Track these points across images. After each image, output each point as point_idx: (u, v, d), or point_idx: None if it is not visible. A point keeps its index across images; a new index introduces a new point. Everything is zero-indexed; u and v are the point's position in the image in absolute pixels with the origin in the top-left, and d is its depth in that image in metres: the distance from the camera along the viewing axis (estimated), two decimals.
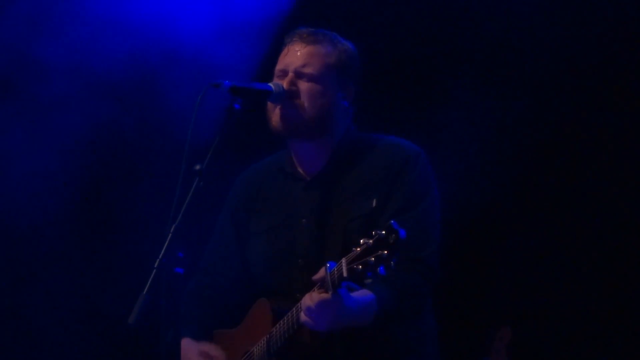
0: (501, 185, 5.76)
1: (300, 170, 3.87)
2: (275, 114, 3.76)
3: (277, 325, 3.60)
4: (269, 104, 3.78)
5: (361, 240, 3.25)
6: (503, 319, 5.80)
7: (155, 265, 3.29)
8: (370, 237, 3.24)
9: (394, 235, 3.18)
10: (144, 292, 3.25)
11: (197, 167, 3.45)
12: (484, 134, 5.68)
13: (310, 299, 3.39)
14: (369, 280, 3.26)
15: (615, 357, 5.61)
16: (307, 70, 3.75)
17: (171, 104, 5.29)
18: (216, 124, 3.59)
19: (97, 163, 5.69)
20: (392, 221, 3.20)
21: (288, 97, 3.73)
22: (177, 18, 5.26)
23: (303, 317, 3.43)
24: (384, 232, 3.21)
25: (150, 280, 3.28)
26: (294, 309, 3.51)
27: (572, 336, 5.71)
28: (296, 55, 3.79)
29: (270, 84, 3.73)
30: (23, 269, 5.73)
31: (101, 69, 5.35)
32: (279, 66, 3.83)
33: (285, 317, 3.56)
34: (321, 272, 3.37)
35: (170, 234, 3.35)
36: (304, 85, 3.75)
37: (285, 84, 3.75)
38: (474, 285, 5.86)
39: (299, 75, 3.75)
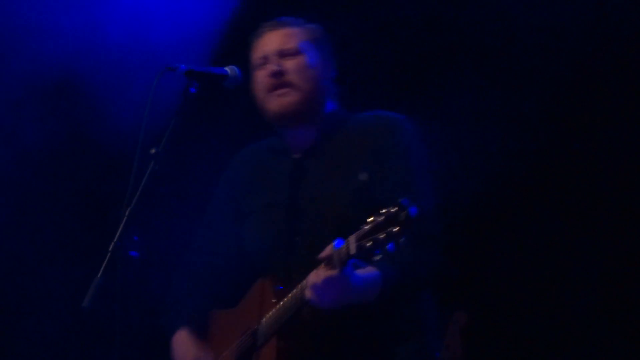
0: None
1: (290, 148, 3.92)
2: (271, 103, 3.82)
3: (280, 303, 3.62)
4: (259, 94, 3.85)
5: (370, 218, 3.24)
6: (458, 303, 5.84)
7: (110, 248, 3.31)
8: (379, 214, 3.23)
9: (404, 212, 3.17)
10: (99, 275, 3.26)
11: (153, 150, 3.47)
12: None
13: (317, 276, 3.40)
14: (377, 257, 3.24)
15: (572, 340, 5.66)
16: (287, 46, 3.85)
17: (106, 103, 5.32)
18: (172, 109, 3.60)
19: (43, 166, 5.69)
20: (403, 199, 3.20)
21: (276, 78, 3.80)
22: (109, 20, 5.27)
23: (308, 293, 3.44)
24: (394, 209, 3.20)
25: (104, 263, 3.29)
26: (298, 286, 3.53)
27: (528, 321, 5.75)
28: (271, 40, 3.88)
29: (226, 68, 3.74)
30: None
31: (30, 73, 5.34)
32: (257, 55, 3.90)
33: (289, 295, 3.58)
34: (327, 250, 3.38)
35: (125, 218, 3.36)
36: (288, 63, 3.83)
37: (269, 67, 3.82)
38: None
39: (280, 55, 3.84)
